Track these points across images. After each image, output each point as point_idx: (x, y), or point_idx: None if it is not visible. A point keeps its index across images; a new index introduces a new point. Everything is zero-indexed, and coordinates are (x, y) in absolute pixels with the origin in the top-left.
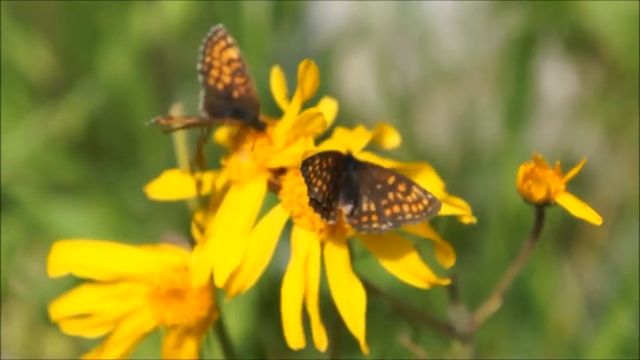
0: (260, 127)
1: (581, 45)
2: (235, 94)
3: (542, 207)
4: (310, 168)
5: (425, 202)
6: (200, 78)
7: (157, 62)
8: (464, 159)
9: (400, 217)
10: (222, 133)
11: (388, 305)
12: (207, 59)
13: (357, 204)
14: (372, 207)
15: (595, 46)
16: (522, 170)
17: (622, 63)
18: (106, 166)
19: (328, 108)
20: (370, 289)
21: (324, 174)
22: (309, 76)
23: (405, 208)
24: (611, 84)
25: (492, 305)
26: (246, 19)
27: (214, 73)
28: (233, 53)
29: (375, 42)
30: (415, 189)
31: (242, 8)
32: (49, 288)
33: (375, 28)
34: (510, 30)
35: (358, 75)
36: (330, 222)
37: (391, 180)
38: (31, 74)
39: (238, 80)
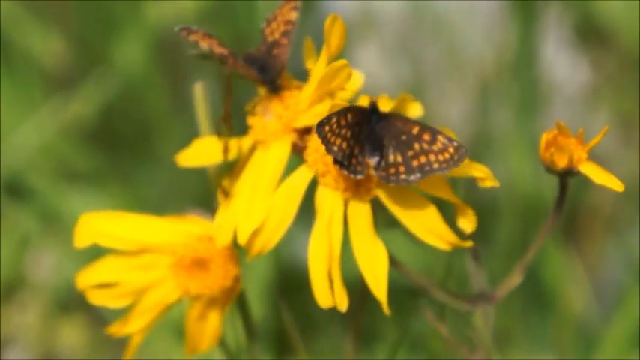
0: (274, 88)
1: (594, 34)
2: (274, 51)
3: (565, 176)
4: (327, 127)
5: (451, 150)
6: (262, 25)
7: (171, 52)
8: (476, 147)
9: (428, 168)
10: (252, 102)
11: (408, 280)
12: (277, 12)
13: (383, 156)
14: (399, 158)
15: (608, 35)
16: (545, 138)
17: (634, 52)
18: (120, 155)
19: (354, 77)
20: (391, 262)
21: (344, 131)
22: (335, 31)
23: (432, 157)
24: (624, 73)
25: (514, 280)
26: (260, 10)
27: (273, 25)
28: (293, 16)
29: (387, 31)
30: (440, 137)
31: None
32: (64, 276)
33: (388, 17)
34: (523, 18)
35: (370, 64)
36: (358, 177)
37: (415, 130)
38: (45, 63)
39: (283, 41)
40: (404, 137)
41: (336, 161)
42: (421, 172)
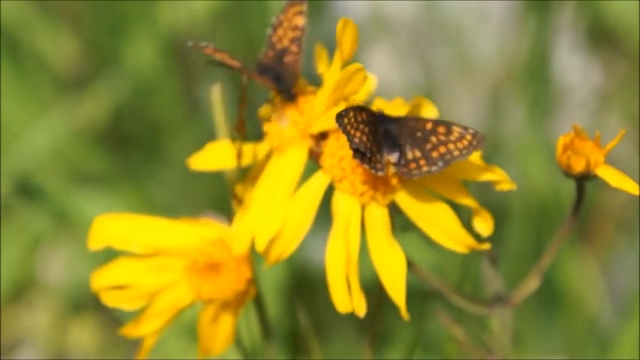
0: (290, 97)
1: (606, 37)
2: (286, 59)
3: (582, 180)
4: (346, 120)
5: (468, 137)
6: (268, 31)
7: (182, 53)
8: (488, 150)
9: (448, 156)
10: (265, 109)
11: (425, 284)
12: (281, 17)
13: (402, 153)
14: (418, 153)
15: (620, 38)
16: (562, 141)
17: None
18: (131, 156)
19: (368, 80)
20: (407, 265)
21: (362, 126)
22: (347, 36)
23: (451, 146)
24: (635, 76)
25: (531, 284)
26: (270, 12)
27: (280, 32)
28: (300, 21)
29: (399, 34)
30: (455, 127)
31: (268, 1)
32: (74, 278)
33: (399, 19)
34: (536, 21)
35: (382, 67)
36: (379, 173)
37: (429, 126)
38: (56, 64)
39: (293, 48)
40: (419, 134)
41: (357, 153)
42: (442, 160)
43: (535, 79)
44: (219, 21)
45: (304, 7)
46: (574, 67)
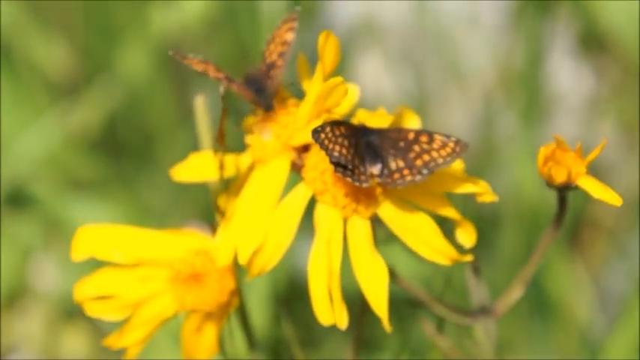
0: (269, 110)
1: (598, 44)
2: (271, 72)
3: (563, 190)
4: (322, 135)
5: (451, 144)
6: (263, 46)
7: (175, 60)
8: (480, 157)
9: (433, 163)
10: (249, 120)
11: (408, 294)
12: (275, 32)
13: (384, 164)
14: (401, 163)
15: (611, 45)
16: (543, 152)
17: (637, 62)
18: (124, 163)
19: (350, 92)
20: (391, 276)
21: (340, 139)
22: (329, 48)
23: (435, 154)
24: (627, 82)
25: (514, 294)
26: (263, 18)
27: (272, 47)
28: (289, 37)
29: (391, 41)
30: (437, 136)
31: (259, 7)
32: (67, 285)
33: (391, 26)
34: (527, 29)
35: (373, 74)
36: (364, 185)
37: (411, 135)
38: (49, 71)
39: (279, 62)
40: (401, 144)
41: (337, 167)
42: (427, 168)
43: (527, 85)
44: (211, 27)
45: (295, 23)
46: (566, 74)
